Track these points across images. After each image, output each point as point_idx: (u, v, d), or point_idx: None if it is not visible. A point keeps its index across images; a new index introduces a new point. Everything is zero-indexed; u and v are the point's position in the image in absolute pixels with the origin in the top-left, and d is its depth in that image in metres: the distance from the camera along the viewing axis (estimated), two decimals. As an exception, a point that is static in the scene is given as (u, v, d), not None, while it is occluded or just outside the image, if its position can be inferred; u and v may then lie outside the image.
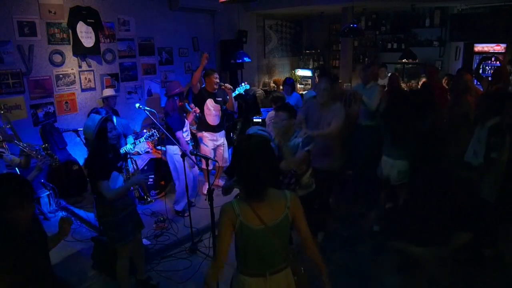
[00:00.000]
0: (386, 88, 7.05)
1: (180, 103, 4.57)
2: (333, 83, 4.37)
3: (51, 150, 3.23)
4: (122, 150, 4.25)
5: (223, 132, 5.14)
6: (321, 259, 1.96)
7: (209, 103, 4.87)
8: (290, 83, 5.90)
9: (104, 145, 2.88)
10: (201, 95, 4.85)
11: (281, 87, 7.04)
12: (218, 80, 4.89)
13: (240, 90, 5.50)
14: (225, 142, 5.17)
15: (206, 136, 4.95)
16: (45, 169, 3.38)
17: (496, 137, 3.05)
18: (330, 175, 3.79)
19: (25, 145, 3.06)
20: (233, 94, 5.53)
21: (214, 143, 5.01)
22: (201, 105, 4.85)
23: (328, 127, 3.65)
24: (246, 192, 1.83)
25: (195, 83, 4.81)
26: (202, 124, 4.96)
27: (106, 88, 5.29)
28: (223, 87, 4.93)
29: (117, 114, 4.95)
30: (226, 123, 6.54)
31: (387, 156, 3.87)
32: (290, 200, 1.86)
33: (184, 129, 4.58)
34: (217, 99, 4.93)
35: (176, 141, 4.20)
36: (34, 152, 3.01)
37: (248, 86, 5.61)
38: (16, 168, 3.35)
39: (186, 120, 4.67)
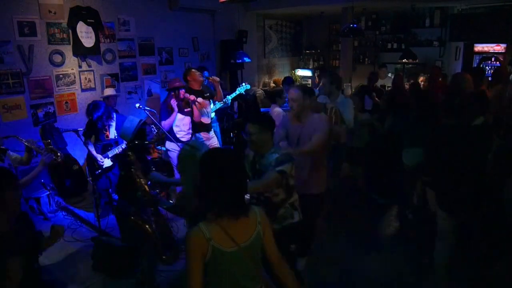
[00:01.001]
0: (390, 88, 7.10)
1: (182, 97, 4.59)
2: (309, 97, 3.36)
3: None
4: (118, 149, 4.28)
5: (212, 131, 5.15)
6: (293, 281, 1.79)
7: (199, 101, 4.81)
8: (289, 82, 5.91)
9: (142, 145, 2.93)
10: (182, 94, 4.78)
11: (281, 87, 7.05)
12: (201, 77, 4.82)
13: (240, 90, 5.50)
14: (216, 139, 5.18)
15: (202, 137, 4.95)
16: (46, 166, 3.37)
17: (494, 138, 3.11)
18: (315, 200, 3.10)
19: (28, 141, 3.10)
20: (233, 95, 5.54)
21: (208, 143, 5.00)
22: (191, 106, 4.74)
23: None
24: (224, 210, 1.62)
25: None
26: (195, 125, 4.91)
27: (106, 88, 5.30)
28: (210, 79, 4.91)
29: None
30: (225, 123, 6.55)
31: (416, 146, 3.81)
32: (260, 215, 1.72)
33: (178, 129, 4.60)
34: (204, 95, 4.89)
35: (175, 139, 4.22)
36: (37, 147, 3.04)
37: (248, 86, 5.61)
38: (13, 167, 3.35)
39: (186, 118, 4.66)
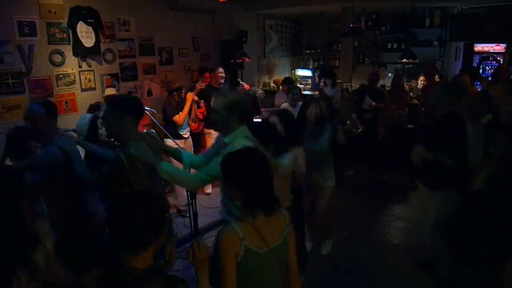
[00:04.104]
0: (389, 87, 7.11)
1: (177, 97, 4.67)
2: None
3: None
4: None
5: None
6: None
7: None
8: (289, 82, 5.93)
9: (95, 142, 2.92)
10: (207, 92, 4.88)
11: (281, 87, 7.08)
12: (223, 75, 4.96)
13: None
14: None
15: (213, 133, 4.98)
16: None
17: (494, 132, 3.18)
18: None
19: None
20: None
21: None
22: (208, 102, 4.89)
23: None
24: (259, 208, 1.62)
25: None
26: (209, 121, 4.99)
27: (106, 88, 5.32)
28: (240, 87, 5.06)
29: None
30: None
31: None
32: (288, 218, 1.72)
33: (182, 127, 4.63)
34: None
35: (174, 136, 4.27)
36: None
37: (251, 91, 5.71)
38: None
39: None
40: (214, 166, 2.05)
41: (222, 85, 5.00)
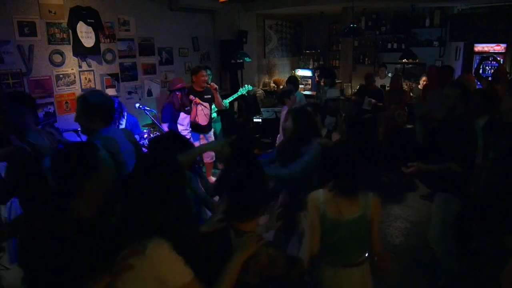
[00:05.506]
0: (388, 88, 7.11)
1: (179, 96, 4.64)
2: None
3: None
4: None
5: (211, 132, 5.18)
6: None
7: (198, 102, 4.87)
8: (294, 82, 5.88)
9: None
10: (188, 95, 4.84)
11: (286, 86, 7.06)
12: (206, 78, 4.91)
13: (242, 91, 5.53)
14: (213, 138, 5.21)
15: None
16: None
17: (494, 136, 3.07)
18: None
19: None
20: (235, 96, 5.56)
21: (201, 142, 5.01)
22: (190, 106, 4.84)
23: None
24: (339, 188, 1.97)
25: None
26: (192, 124, 4.95)
27: (106, 88, 5.32)
28: (208, 86, 4.95)
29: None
30: (225, 123, 6.56)
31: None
32: (372, 200, 1.99)
33: (183, 128, 4.62)
34: (205, 97, 4.94)
35: None
36: None
37: (250, 87, 5.64)
38: None
39: (186, 116, 4.69)
40: None
41: (205, 88, 4.94)
